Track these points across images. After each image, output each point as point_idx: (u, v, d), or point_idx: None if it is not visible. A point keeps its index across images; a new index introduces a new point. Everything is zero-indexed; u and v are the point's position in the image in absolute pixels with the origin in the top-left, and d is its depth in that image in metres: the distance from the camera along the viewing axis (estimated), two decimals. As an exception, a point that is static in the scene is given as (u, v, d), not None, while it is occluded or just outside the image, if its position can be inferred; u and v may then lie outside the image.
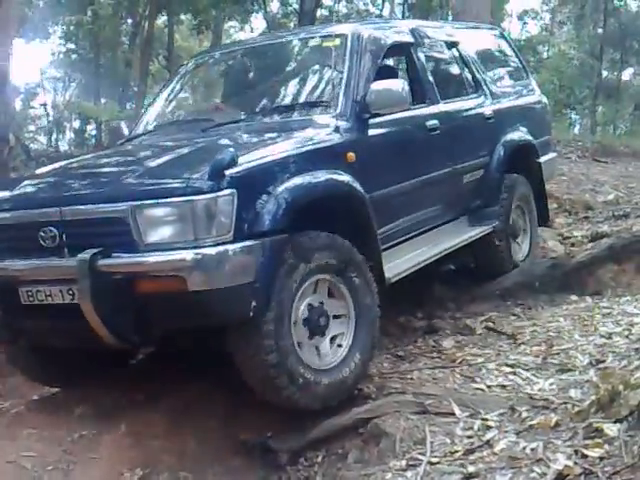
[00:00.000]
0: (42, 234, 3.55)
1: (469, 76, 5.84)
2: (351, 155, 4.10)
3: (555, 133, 9.08)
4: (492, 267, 5.68)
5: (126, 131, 5.28)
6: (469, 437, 3.33)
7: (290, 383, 3.57)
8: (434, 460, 3.18)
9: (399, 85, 4.33)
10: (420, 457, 3.23)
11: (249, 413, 3.89)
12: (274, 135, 4.18)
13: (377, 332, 4.02)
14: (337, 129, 4.18)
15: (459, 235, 5.29)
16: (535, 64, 22.55)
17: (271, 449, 3.67)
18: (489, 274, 5.66)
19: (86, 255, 3.36)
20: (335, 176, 3.94)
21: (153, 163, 3.97)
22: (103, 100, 20.29)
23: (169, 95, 5.48)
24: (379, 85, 4.33)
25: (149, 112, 5.43)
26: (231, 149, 3.48)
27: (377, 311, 4.01)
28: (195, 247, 3.31)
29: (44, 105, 20.65)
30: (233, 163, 3.41)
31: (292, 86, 4.95)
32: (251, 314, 3.42)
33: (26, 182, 4.13)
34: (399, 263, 4.52)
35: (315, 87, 4.75)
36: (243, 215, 3.42)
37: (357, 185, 4.01)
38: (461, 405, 3.64)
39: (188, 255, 3.29)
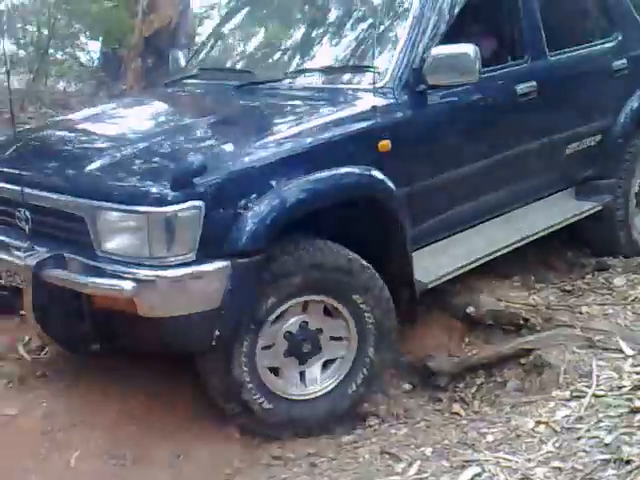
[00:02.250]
0: (17, 214, 3.23)
1: (598, 13, 4.82)
2: (385, 144, 3.37)
3: None
4: (606, 247, 4.83)
5: (183, 61, 4.65)
6: (638, 374, 3.21)
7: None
8: (599, 393, 3.11)
9: (469, 51, 3.42)
10: (585, 389, 3.17)
11: (408, 333, 3.95)
12: (290, 114, 3.58)
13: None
14: (373, 109, 3.38)
15: (552, 216, 4.41)
16: None
17: (432, 371, 3.72)
18: (602, 254, 4.82)
19: (32, 261, 2.99)
20: (349, 179, 3.26)
21: (135, 148, 3.30)
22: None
23: (233, 23, 4.75)
24: (441, 50, 3.49)
25: (208, 44, 4.70)
26: (196, 155, 2.93)
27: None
28: (150, 266, 2.86)
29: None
30: (201, 170, 2.86)
31: (348, 41, 4.01)
32: (213, 343, 2.98)
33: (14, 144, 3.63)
34: (444, 263, 3.78)
35: (370, 45, 3.68)
36: (211, 232, 2.89)
37: (385, 183, 3.34)
38: (631, 343, 3.52)
39: (127, 284, 2.83)
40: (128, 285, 2.82)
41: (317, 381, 3.33)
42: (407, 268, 3.49)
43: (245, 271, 2.93)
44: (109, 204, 2.92)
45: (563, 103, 4.34)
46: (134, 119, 4.07)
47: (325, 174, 3.16)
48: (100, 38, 11.46)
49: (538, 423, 2.99)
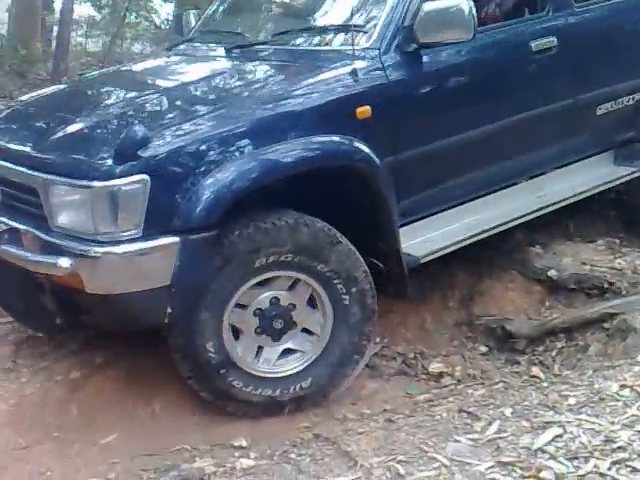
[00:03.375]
0: None
1: None
2: (363, 110, 3.12)
3: None
4: None
5: (193, 23, 4.47)
6: None
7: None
8: (687, 357, 3.01)
9: (462, 5, 3.13)
10: (673, 354, 3.08)
11: (485, 297, 3.90)
12: (263, 79, 3.44)
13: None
14: (353, 73, 3.16)
15: (583, 182, 4.08)
16: None
17: (509, 333, 3.66)
18: None
19: None
20: (317, 149, 3.04)
21: (92, 120, 3.19)
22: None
23: None
24: (433, 5, 3.18)
25: (210, 6, 4.52)
26: (139, 126, 2.76)
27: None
28: (95, 242, 2.76)
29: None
30: (144, 142, 2.73)
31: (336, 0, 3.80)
32: (166, 320, 2.88)
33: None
34: (443, 236, 3.57)
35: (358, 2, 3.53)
36: (159, 207, 2.76)
37: (364, 151, 3.11)
38: None
39: (64, 261, 2.73)
40: (65, 262, 2.74)
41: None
42: (393, 242, 3.29)
43: (196, 247, 2.80)
44: (58, 178, 2.82)
45: (592, 60, 3.96)
46: (108, 89, 3.86)
47: (288, 144, 2.98)
48: (174, 0, 11.56)
49: (622, 387, 2.90)
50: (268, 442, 3.06)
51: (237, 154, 2.88)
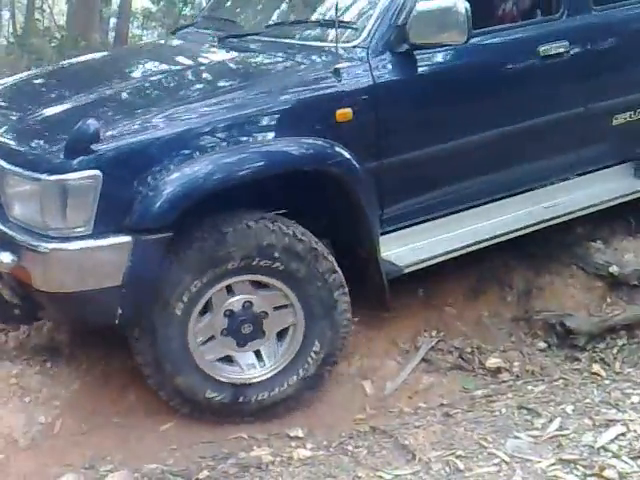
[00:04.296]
0: None
1: None
2: (344, 112, 2.95)
3: None
4: None
5: None
6: None
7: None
8: None
9: (456, 6, 2.96)
10: None
11: (544, 292, 3.84)
12: (241, 73, 3.31)
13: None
14: (335, 72, 2.99)
15: (596, 194, 3.82)
16: None
17: (569, 330, 3.60)
18: None
19: None
20: (285, 151, 2.88)
21: (58, 109, 3.06)
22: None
23: None
24: (428, 4, 3.01)
25: None
26: (92, 120, 2.62)
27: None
28: (44, 236, 2.66)
29: None
30: (95, 136, 2.61)
31: None
32: (117, 322, 2.78)
33: None
34: (431, 245, 3.37)
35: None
36: (111, 204, 2.64)
37: (342, 156, 2.94)
38: None
39: (5, 256, 2.67)
40: (7, 257, 2.68)
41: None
42: (371, 250, 3.15)
43: (149, 249, 2.68)
44: (13, 167, 2.74)
45: (609, 67, 3.69)
46: (86, 76, 3.73)
47: (256, 145, 2.86)
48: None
49: (686, 386, 2.85)
50: (324, 433, 3.08)
51: (198, 154, 2.75)
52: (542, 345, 3.65)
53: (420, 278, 3.93)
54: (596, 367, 3.37)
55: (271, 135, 2.90)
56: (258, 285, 2.98)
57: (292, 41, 3.37)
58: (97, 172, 2.60)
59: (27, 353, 3.31)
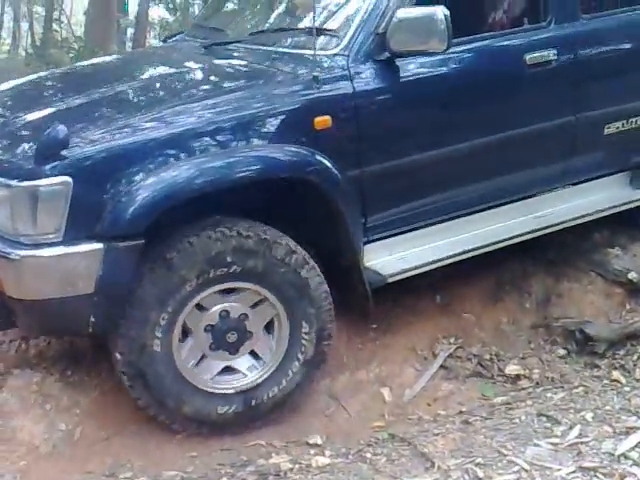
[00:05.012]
0: None
1: None
2: (322, 120, 2.93)
3: None
4: None
5: None
6: None
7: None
8: None
9: (435, 14, 2.93)
10: None
11: (563, 298, 3.82)
12: (221, 81, 3.29)
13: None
14: (315, 80, 2.95)
15: (588, 204, 3.76)
16: None
17: (589, 337, 3.58)
18: None
19: None
20: (261, 159, 2.86)
21: (35, 115, 3.05)
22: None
23: None
24: (408, 12, 2.99)
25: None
26: (62, 126, 2.61)
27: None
28: (15, 243, 2.65)
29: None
30: (64, 142, 2.60)
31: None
32: (90, 330, 2.77)
33: None
34: (417, 255, 3.33)
35: (345, 3, 3.34)
36: (82, 211, 2.63)
37: (321, 164, 2.93)
38: None
39: None
40: None
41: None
42: (353, 259, 3.13)
43: (122, 256, 2.66)
44: None
45: (598, 75, 3.63)
46: (66, 84, 3.73)
47: (232, 152, 2.84)
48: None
49: None
50: (343, 440, 3.08)
51: (171, 161, 2.73)
52: (561, 352, 3.63)
53: (437, 284, 3.95)
54: (616, 374, 3.35)
55: (248, 142, 2.88)
56: (227, 291, 2.96)
57: (274, 48, 3.37)
58: (67, 178, 2.60)
59: (48, 361, 3.33)
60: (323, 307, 3.06)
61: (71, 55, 10.49)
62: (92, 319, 2.73)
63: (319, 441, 3.06)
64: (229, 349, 3.00)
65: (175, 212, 2.74)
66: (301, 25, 3.43)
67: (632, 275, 3.76)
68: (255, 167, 2.86)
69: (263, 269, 2.90)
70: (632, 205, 3.87)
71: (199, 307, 2.93)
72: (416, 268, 3.30)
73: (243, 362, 3.05)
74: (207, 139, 2.82)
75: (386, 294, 3.75)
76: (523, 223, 3.61)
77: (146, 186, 2.65)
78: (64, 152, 2.62)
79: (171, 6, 13.06)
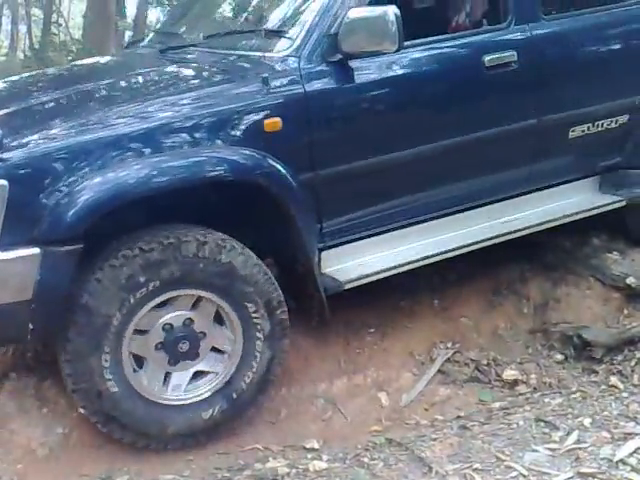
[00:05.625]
0: None
1: None
2: (272, 122, 2.88)
3: None
4: None
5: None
6: None
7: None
8: None
9: (386, 14, 2.88)
10: None
11: (561, 303, 3.83)
12: (168, 84, 3.22)
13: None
14: (265, 82, 2.91)
15: (555, 209, 3.72)
16: None
17: (587, 342, 3.57)
18: None
19: None
20: (205, 162, 2.79)
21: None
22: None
23: None
24: (359, 12, 2.95)
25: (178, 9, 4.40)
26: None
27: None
28: None
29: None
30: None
31: (267, 3, 3.58)
32: (29, 338, 2.71)
33: None
34: (377, 260, 3.28)
35: (297, 5, 3.32)
36: (19, 214, 2.57)
37: (271, 167, 2.87)
38: None
39: None
40: None
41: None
42: (307, 265, 3.07)
43: (59, 261, 2.59)
44: None
45: (561, 78, 3.55)
46: (23, 90, 3.67)
47: (174, 155, 2.77)
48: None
49: None
50: (340, 445, 3.07)
51: (113, 163, 2.67)
52: (559, 357, 3.63)
53: (436, 289, 3.95)
54: (614, 379, 3.34)
55: (196, 145, 2.82)
56: (160, 305, 2.86)
57: (227, 51, 3.32)
58: (3, 182, 2.55)
59: (44, 365, 3.32)
60: (259, 281, 2.93)
61: (69, 58, 10.47)
62: (30, 326, 2.67)
63: (316, 445, 3.05)
64: (188, 356, 2.94)
65: (115, 220, 2.67)
66: (254, 27, 3.39)
67: (630, 280, 3.76)
68: (199, 169, 2.79)
69: (181, 272, 2.80)
70: (600, 210, 3.81)
71: (139, 332, 2.86)
72: (375, 274, 3.24)
73: (209, 362, 3.00)
74: (153, 141, 2.76)
75: (384, 299, 3.78)
76: (489, 228, 3.56)
77: (83, 189, 2.60)
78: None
79: (169, 9, 13.05)
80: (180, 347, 2.91)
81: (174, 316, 2.89)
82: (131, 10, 13.57)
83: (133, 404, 2.87)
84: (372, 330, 3.63)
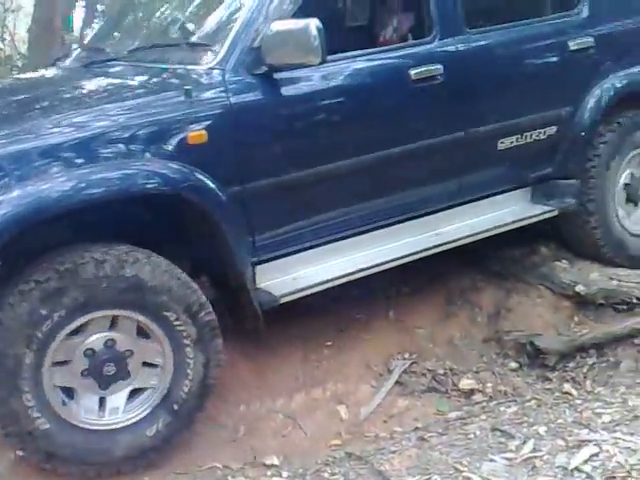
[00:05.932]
0: None
1: None
2: (196, 135, 2.84)
3: None
4: (584, 249, 4.13)
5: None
6: None
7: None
8: None
9: (308, 26, 2.86)
10: None
11: (513, 312, 3.88)
12: (88, 98, 3.19)
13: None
14: (188, 94, 2.87)
15: (485, 221, 3.75)
16: None
17: (539, 349, 3.63)
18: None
19: None
20: (126, 176, 2.70)
21: None
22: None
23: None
24: (282, 25, 2.94)
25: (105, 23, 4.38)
26: None
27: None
28: None
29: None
30: None
31: (191, 16, 3.57)
32: None
33: None
34: (312, 274, 3.27)
35: (220, 18, 3.30)
36: None
37: (197, 180, 2.81)
38: None
39: None
40: None
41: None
42: (239, 279, 3.03)
43: None
44: None
45: (487, 91, 3.63)
46: None
47: (93, 169, 2.67)
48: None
49: (657, 405, 2.89)
50: (300, 460, 3.06)
51: (32, 176, 2.59)
52: (513, 365, 3.68)
53: (390, 300, 3.98)
54: (567, 386, 3.39)
55: (118, 158, 2.74)
56: (74, 333, 2.76)
57: (151, 64, 3.29)
58: None
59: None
60: (172, 288, 2.83)
61: (14, 72, 10.28)
62: None
63: (276, 461, 3.03)
64: (119, 377, 2.85)
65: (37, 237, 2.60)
66: (178, 40, 3.34)
67: (579, 288, 3.84)
68: (121, 183, 2.70)
69: (85, 296, 2.69)
70: (533, 220, 3.87)
71: (59, 364, 2.77)
72: (310, 287, 3.22)
73: (143, 378, 2.92)
74: (71, 154, 2.69)
75: (340, 311, 3.79)
76: (422, 240, 3.58)
77: (2, 202, 2.51)
78: None
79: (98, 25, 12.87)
80: (107, 370, 2.82)
81: (93, 340, 2.79)
82: (78, 24, 13.37)
83: (70, 436, 2.79)
84: (329, 343, 3.64)
